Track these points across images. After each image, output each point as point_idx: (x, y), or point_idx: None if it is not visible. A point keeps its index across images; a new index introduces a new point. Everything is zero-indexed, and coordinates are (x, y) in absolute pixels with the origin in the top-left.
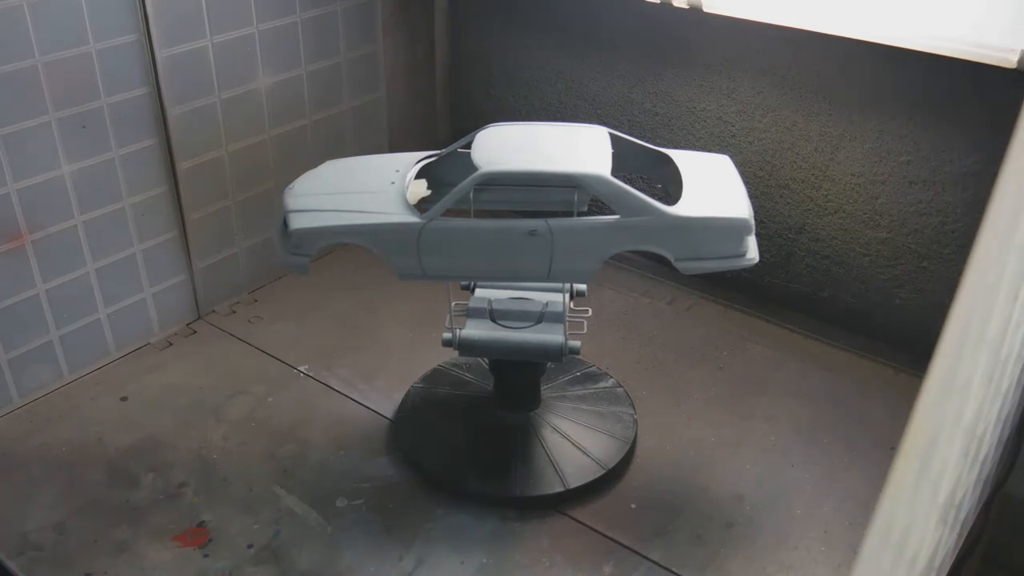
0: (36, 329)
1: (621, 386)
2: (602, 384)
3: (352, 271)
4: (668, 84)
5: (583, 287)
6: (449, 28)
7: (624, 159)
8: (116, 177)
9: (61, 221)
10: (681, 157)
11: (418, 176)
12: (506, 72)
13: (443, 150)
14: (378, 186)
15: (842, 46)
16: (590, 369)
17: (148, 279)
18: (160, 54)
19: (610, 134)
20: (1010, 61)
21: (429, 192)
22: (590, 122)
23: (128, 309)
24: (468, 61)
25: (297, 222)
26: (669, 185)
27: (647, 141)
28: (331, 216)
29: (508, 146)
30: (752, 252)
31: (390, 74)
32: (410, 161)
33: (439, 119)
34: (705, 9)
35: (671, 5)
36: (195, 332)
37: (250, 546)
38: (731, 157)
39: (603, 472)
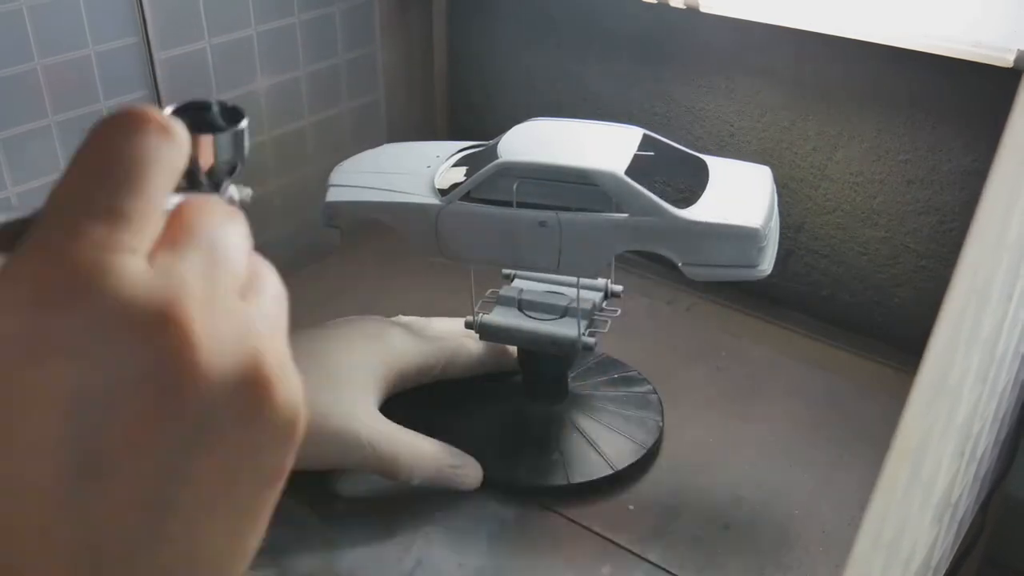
0: None
1: (656, 393)
2: (636, 388)
3: (352, 272)
4: (666, 84)
5: (618, 287)
6: (448, 28)
7: (659, 161)
8: None
9: None
10: (716, 163)
11: (461, 164)
12: (505, 72)
13: (489, 141)
14: (413, 169)
15: (840, 46)
16: (629, 373)
17: None
18: (158, 56)
19: (645, 136)
20: (1007, 61)
21: (465, 179)
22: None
23: None
24: (467, 61)
25: (332, 195)
26: (698, 190)
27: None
28: (363, 192)
29: (534, 139)
30: (765, 264)
31: (389, 75)
32: (453, 148)
33: (438, 120)
34: (702, 9)
35: (668, 5)
36: None
37: None
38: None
39: (610, 472)
